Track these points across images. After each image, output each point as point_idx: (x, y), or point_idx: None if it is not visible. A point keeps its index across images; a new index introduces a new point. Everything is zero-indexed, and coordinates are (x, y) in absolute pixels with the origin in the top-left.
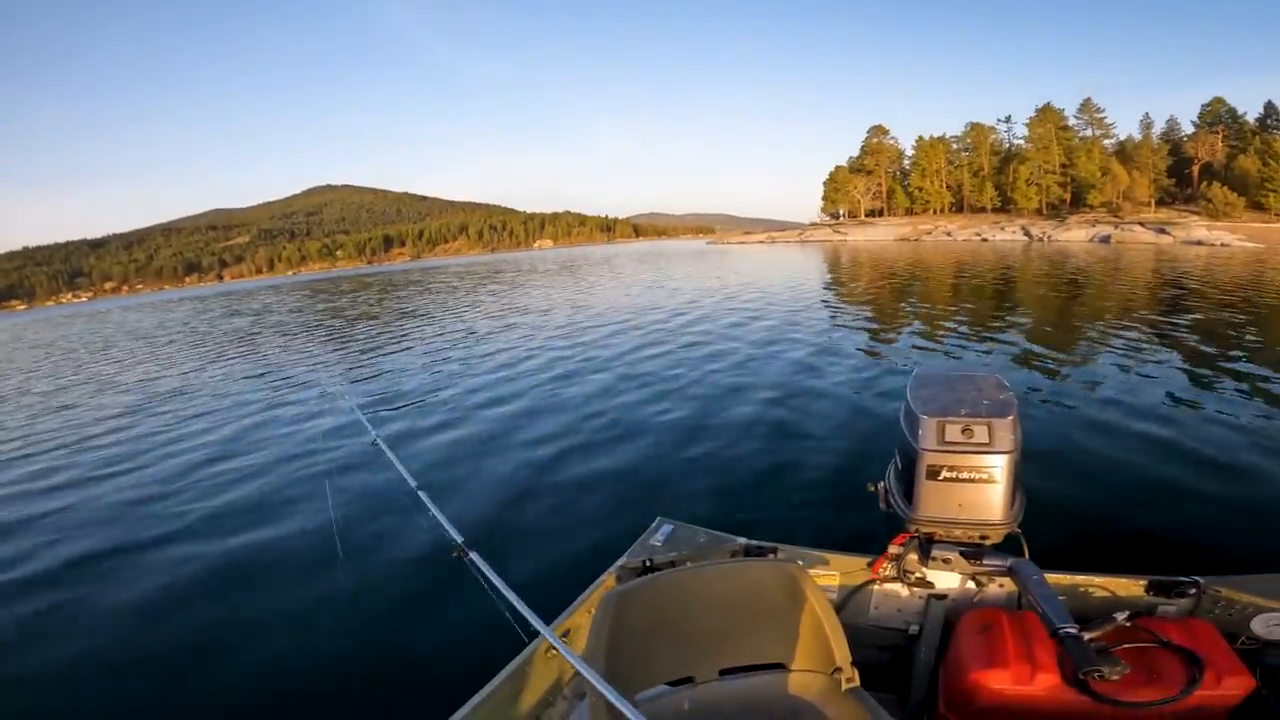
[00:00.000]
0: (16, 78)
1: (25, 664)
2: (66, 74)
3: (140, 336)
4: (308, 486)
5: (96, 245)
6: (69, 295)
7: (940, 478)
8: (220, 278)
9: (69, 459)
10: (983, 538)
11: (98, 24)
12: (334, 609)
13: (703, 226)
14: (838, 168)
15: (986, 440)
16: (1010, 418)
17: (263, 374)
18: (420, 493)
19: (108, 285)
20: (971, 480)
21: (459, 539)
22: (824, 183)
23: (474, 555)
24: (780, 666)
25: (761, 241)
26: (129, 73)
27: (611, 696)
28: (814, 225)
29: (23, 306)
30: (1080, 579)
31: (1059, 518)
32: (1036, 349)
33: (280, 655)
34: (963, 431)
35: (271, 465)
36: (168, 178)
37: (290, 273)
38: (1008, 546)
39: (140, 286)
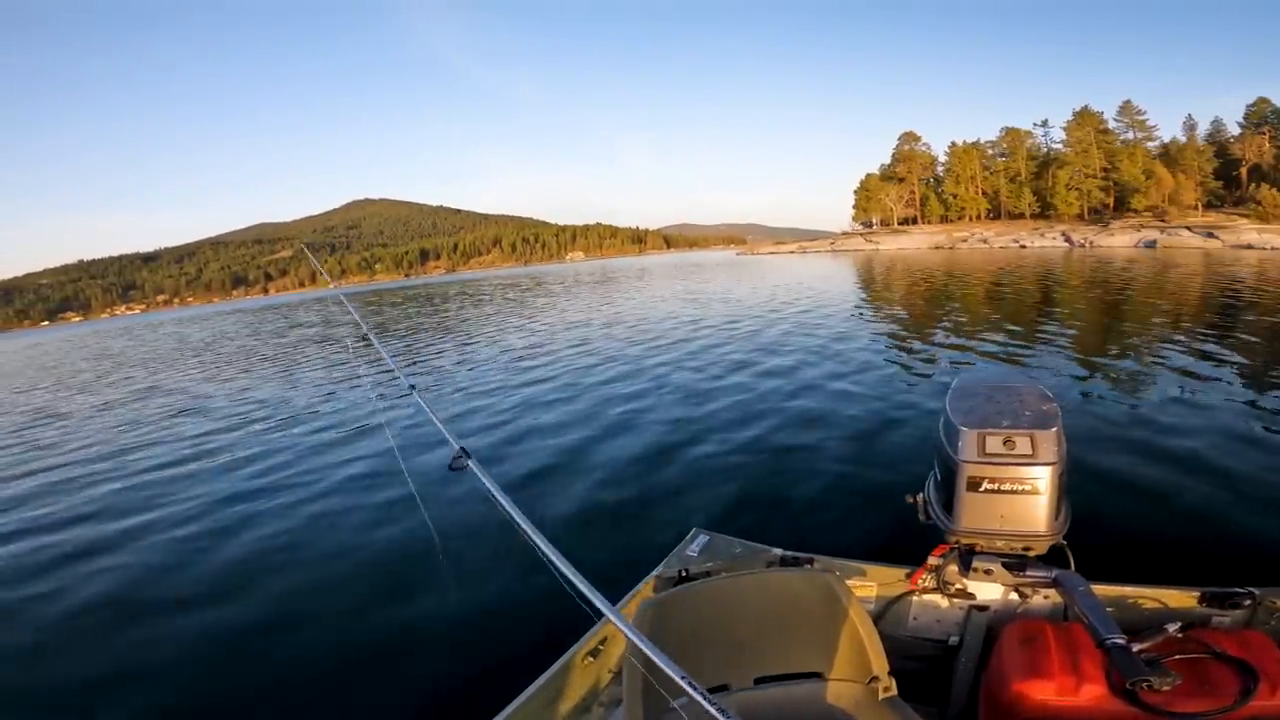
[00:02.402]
0: (72, 101)
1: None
2: (119, 94)
3: (207, 349)
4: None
5: (149, 259)
6: (123, 307)
7: (981, 489)
8: (266, 291)
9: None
10: (1026, 549)
11: (154, 49)
12: (376, 602)
13: (734, 237)
14: (868, 176)
15: (1029, 452)
16: (1054, 429)
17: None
18: (418, 395)
19: (160, 298)
20: (1014, 492)
21: (457, 446)
22: (855, 191)
23: (472, 463)
24: (816, 676)
25: (792, 252)
26: (180, 92)
27: (662, 661)
28: (845, 234)
29: (78, 318)
30: (1129, 590)
31: (1107, 529)
32: (1082, 357)
33: (340, 640)
34: (1004, 443)
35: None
36: (216, 192)
37: (331, 286)
38: (1053, 558)
39: (190, 299)
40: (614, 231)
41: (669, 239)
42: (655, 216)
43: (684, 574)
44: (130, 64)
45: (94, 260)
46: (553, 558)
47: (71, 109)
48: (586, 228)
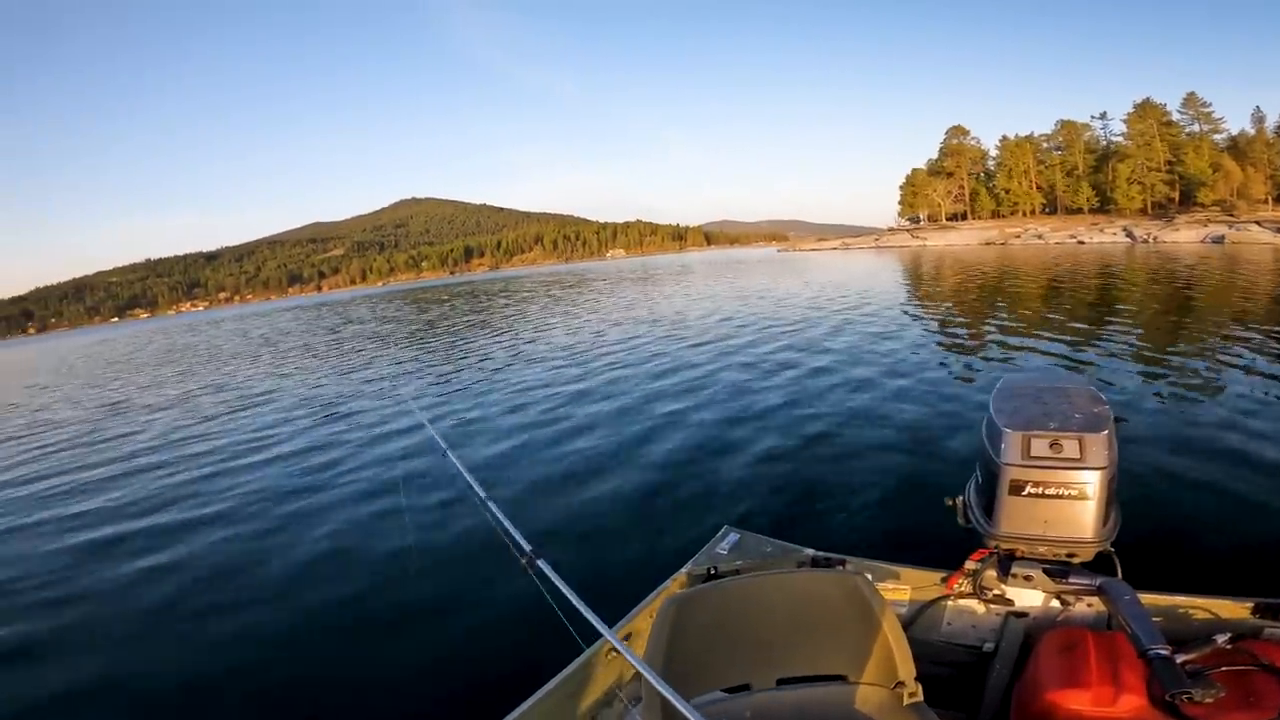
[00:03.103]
0: (137, 106)
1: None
2: (179, 100)
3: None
4: (382, 493)
5: (211, 257)
6: (187, 304)
7: (1024, 493)
8: (319, 288)
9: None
10: (1070, 555)
11: (209, 55)
12: (400, 609)
13: (776, 233)
14: (915, 170)
15: (1077, 455)
16: (1105, 432)
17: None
18: (489, 503)
19: (221, 295)
20: (1059, 497)
21: (528, 548)
22: (900, 186)
23: (542, 563)
24: (841, 679)
25: (835, 248)
26: (237, 98)
27: (670, 695)
28: (891, 230)
29: (145, 315)
30: (1179, 600)
31: (1160, 536)
32: (1141, 357)
33: (345, 651)
34: (1051, 446)
35: (347, 472)
36: (272, 192)
37: (380, 283)
38: (1099, 565)
39: (250, 296)
40: (654, 229)
41: (709, 236)
42: (695, 213)
43: (712, 571)
44: (189, 71)
45: (160, 259)
46: (568, 594)
47: (136, 114)
48: (627, 225)
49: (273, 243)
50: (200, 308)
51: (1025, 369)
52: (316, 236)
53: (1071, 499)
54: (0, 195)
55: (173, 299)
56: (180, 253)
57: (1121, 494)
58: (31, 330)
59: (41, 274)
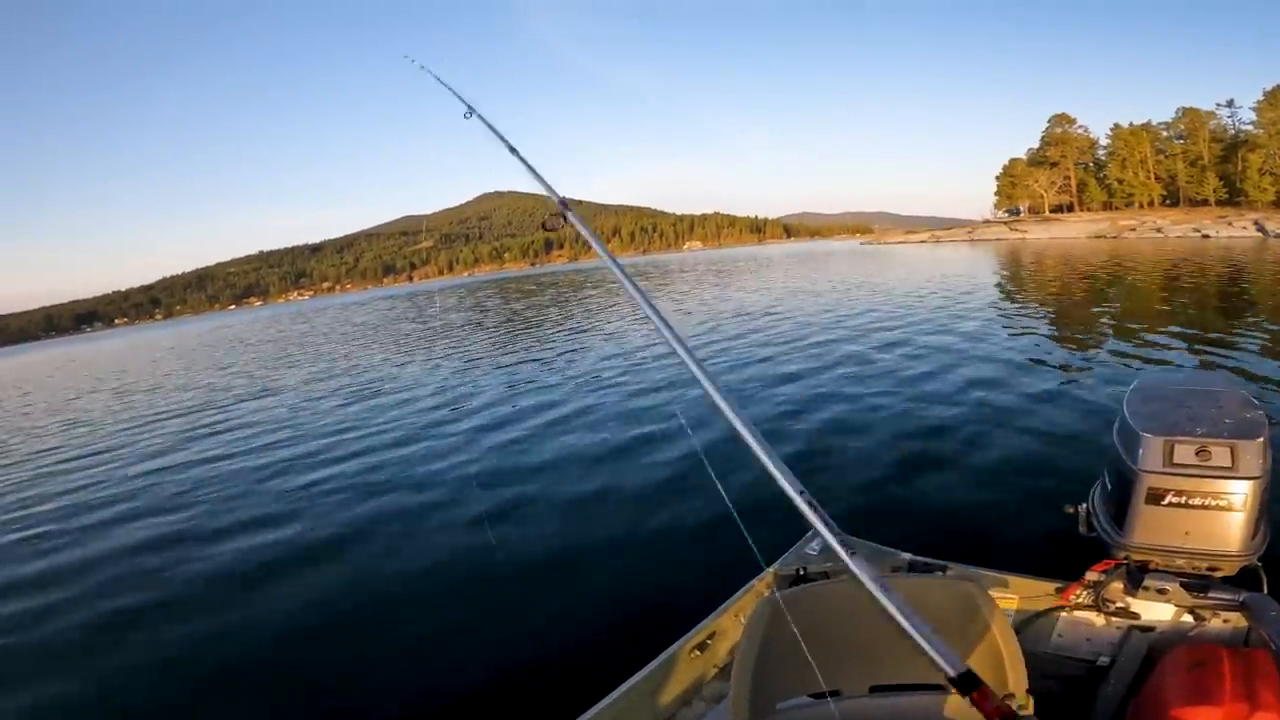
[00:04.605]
0: (250, 108)
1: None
2: (284, 103)
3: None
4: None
5: (315, 249)
6: (295, 293)
7: (1164, 503)
8: (410, 278)
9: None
10: (1211, 569)
11: (306, 67)
12: (489, 597)
13: (859, 225)
14: (1014, 160)
15: (1228, 464)
16: (1260, 439)
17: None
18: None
19: (324, 285)
20: (1205, 507)
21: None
22: (997, 177)
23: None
24: (941, 688)
25: (924, 241)
26: (340, 99)
27: None
28: (986, 222)
29: (259, 303)
30: None
31: None
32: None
33: (436, 636)
34: (1197, 453)
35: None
36: (368, 187)
37: (466, 273)
38: (1242, 580)
39: (349, 286)
40: (732, 221)
41: (789, 228)
42: (775, 205)
43: (801, 572)
44: (291, 78)
45: (270, 251)
46: None
47: (246, 115)
48: (704, 217)
49: (369, 235)
50: (306, 296)
51: (1161, 370)
52: (407, 229)
53: (1219, 510)
54: (130, 194)
55: (282, 288)
56: (288, 245)
57: (1273, 506)
58: (159, 316)
59: (166, 265)
